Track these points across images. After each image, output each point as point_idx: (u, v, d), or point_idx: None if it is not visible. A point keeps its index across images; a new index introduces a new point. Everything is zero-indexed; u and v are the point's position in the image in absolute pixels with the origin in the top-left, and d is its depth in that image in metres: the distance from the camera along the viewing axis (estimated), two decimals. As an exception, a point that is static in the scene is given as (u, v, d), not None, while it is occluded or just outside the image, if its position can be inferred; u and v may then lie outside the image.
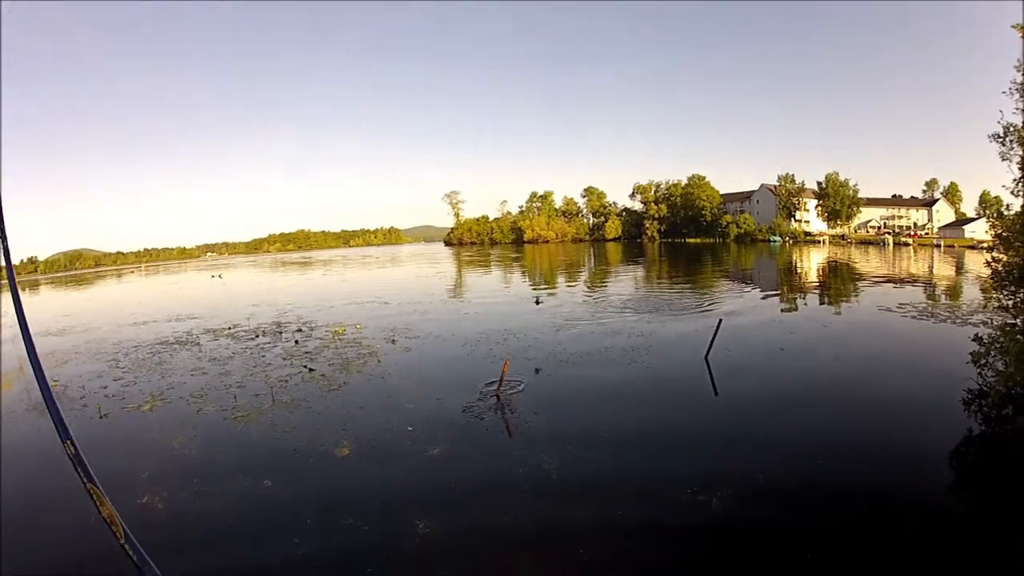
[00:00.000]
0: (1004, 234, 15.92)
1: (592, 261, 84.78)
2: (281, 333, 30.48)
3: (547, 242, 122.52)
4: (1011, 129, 15.65)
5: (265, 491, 12.69)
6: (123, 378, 22.33)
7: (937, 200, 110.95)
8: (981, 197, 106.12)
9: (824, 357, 21.51)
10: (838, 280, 48.22)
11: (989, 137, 15.64)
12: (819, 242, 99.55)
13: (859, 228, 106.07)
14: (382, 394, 19.01)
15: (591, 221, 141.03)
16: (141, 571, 2.52)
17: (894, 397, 16.70)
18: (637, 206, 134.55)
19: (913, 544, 9.68)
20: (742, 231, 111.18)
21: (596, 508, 11.65)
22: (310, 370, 22.09)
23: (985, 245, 37.48)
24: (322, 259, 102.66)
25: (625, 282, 52.79)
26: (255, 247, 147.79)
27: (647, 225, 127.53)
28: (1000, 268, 15.91)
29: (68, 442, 2.97)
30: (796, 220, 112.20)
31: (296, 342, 27.81)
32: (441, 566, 10.13)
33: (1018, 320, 15.66)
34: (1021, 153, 15.52)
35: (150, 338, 30.99)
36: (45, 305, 61.01)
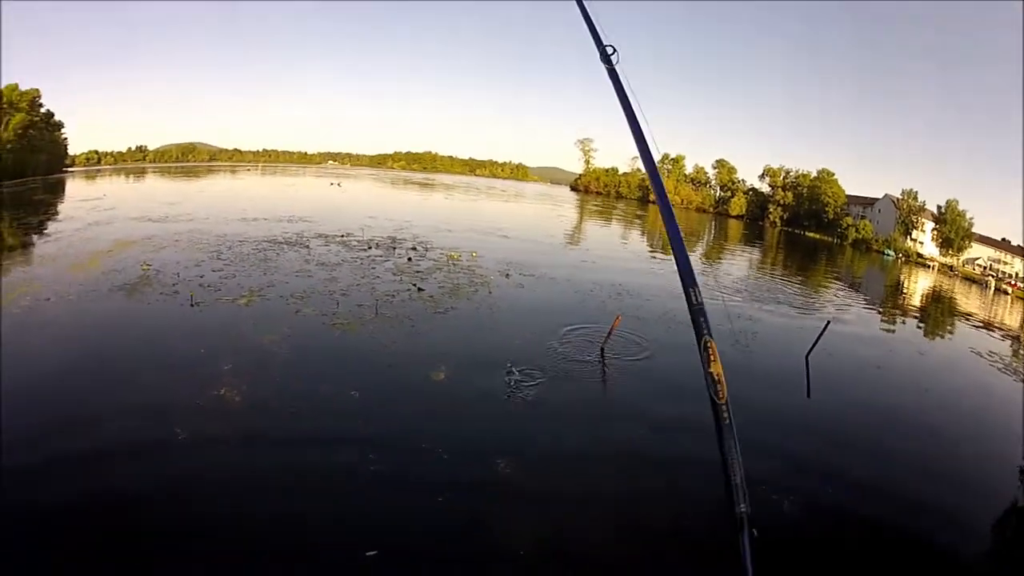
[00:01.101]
0: None
1: (712, 235, 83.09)
2: (395, 249, 30.62)
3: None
4: None
5: (350, 402, 12.73)
6: (223, 270, 22.74)
7: None
8: None
9: (914, 386, 20.55)
10: (938, 311, 46.24)
11: None
12: (929, 267, 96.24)
13: (965, 263, 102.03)
14: (488, 326, 18.93)
15: (717, 194, 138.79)
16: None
17: (971, 441, 15.90)
18: (764, 188, 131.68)
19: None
20: (860, 237, 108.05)
21: (676, 489, 11.36)
22: (419, 289, 22.15)
23: None
24: (445, 183, 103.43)
25: (740, 264, 51.38)
26: (379, 161, 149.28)
27: (771, 209, 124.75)
28: None
29: (693, 290, 4.22)
30: (912, 239, 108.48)
31: (409, 259, 27.98)
32: (509, 488, 10.25)
33: None
34: None
35: (257, 235, 31.55)
36: (148, 191, 63.28)
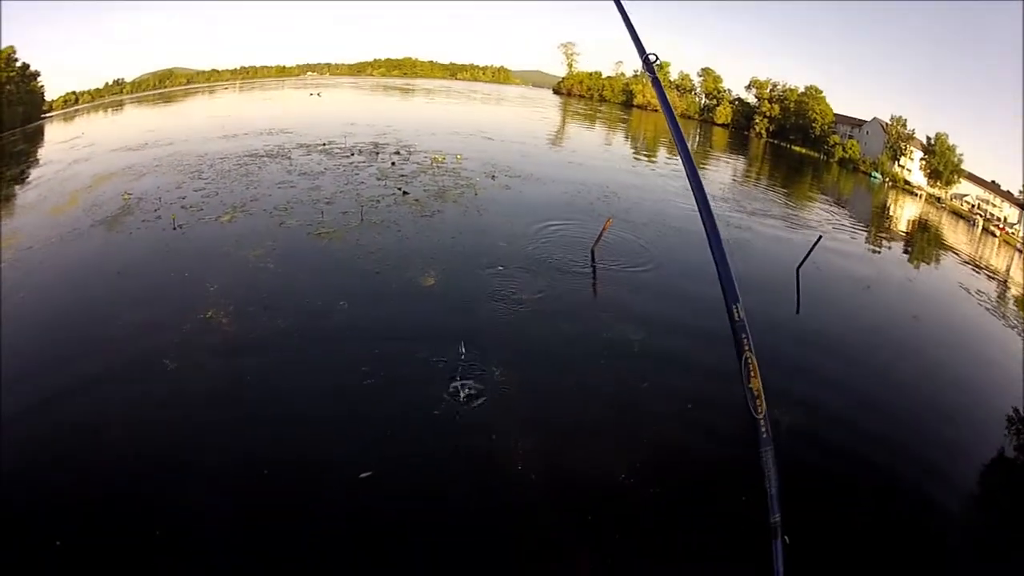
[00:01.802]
0: None
1: (696, 141, 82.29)
2: (378, 154, 29.82)
3: (655, 111, 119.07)
4: None
5: (339, 313, 12.52)
6: (204, 189, 22.11)
7: None
8: None
9: (904, 310, 20.34)
10: (924, 241, 45.82)
11: None
12: (916, 195, 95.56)
13: (953, 198, 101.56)
14: (476, 229, 18.54)
15: (702, 102, 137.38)
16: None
17: (961, 376, 15.67)
18: (751, 99, 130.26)
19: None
20: (847, 156, 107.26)
21: (672, 389, 11.32)
22: (404, 193, 21.69)
23: None
24: (426, 87, 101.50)
25: (726, 171, 50.66)
26: (358, 70, 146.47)
27: (757, 120, 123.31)
28: None
29: (736, 307, 3.63)
30: (900, 165, 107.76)
31: (393, 164, 27.32)
32: (510, 403, 10.04)
33: None
34: None
35: (238, 150, 30.48)
36: (127, 122, 60.42)
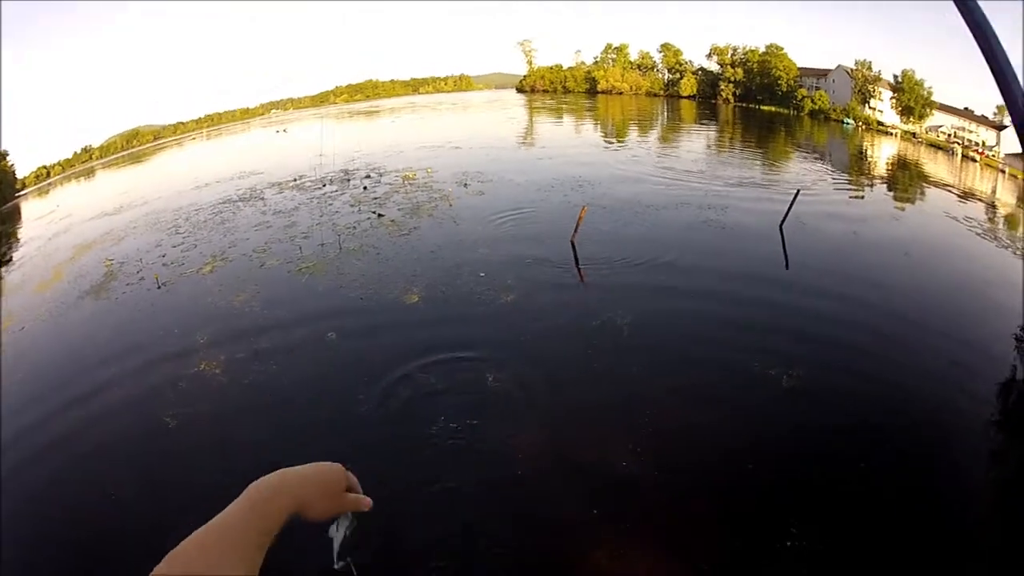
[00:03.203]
0: None
1: (665, 116, 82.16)
2: (349, 180, 29.86)
3: (620, 94, 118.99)
4: None
5: (328, 345, 12.41)
6: (182, 243, 21.98)
7: (1007, 127, 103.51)
8: None
9: (895, 249, 20.14)
10: (906, 177, 45.57)
11: None
12: (891, 134, 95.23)
13: (929, 130, 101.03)
14: (453, 239, 18.41)
15: (666, 77, 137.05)
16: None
17: (958, 308, 15.55)
18: (713, 67, 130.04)
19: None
20: (816, 107, 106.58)
21: (664, 365, 11.32)
22: (379, 215, 21.56)
23: None
24: (390, 107, 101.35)
25: (698, 141, 50.45)
26: (321, 100, 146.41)
27: (722, 87, 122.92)
28: None
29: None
30: (870, 107, 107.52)
31: (364, 188, 27.25)
32: (506, 407, 10.01)
33: None
34: None
35: (212, 199, 30.35)
36: (100, 188, 59.65)
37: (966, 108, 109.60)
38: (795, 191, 20.56)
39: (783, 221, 19.13)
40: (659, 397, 10.32)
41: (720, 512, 7.98)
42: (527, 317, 13.02)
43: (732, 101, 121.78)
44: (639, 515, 7.85)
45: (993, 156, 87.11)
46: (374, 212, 22.20)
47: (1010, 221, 34.61)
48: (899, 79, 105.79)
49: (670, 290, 14.60)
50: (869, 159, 54.70)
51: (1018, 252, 23.47)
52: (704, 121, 73.07)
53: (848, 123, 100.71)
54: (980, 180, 56.68)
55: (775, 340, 12.25)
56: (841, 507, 8.00)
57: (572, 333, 12.47)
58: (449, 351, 11.57)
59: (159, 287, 17.55)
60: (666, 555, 7.33)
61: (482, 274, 15.22)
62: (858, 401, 10.43)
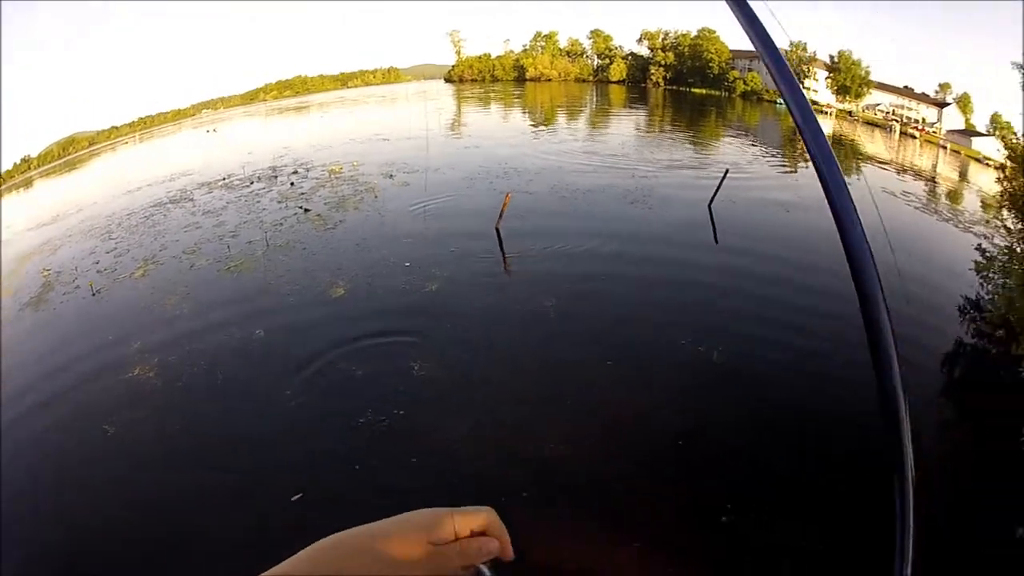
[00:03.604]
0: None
1: (594, 101, 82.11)
2: (276, 177, 29.40)
3: (549, 81, 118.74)
4: None
5: (257, 342, 12.36)
6: (115, 249, 21.43)
7: (949, 104, 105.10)
8: (992, 118, 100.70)
9: (828, 226, 20.35)
10: (842, 154, 45.91)
11: (1012, 64, 15.10)
12: (826, 113, 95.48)
13: (866, 108, 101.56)
14: (379, 231, 18.40)
15: (595, 63, 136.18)
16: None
17: (892, 281, 15.88)
18: (644, 52, 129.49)
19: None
20: (749, 88, 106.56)
21: (591, 348, 11.43)
22: (305, 211, 21.42)
23: (993, 164, 36.32)
24: (319, 102, 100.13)
25: (627, 124, 50.56)
26: (251, 98, 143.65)
27: (652, 71, 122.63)
28: (1013, 189, 15.23)
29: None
30: (805, 87, 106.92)
31: (292, 184, 26.95)
32: (435, 394, 10.11)
33: (1020, 247, 14.81)
34: None
35: (143, 203, 29.50)
36: (37, 198, 58.20)
37: (906, 87, 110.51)
38: (724, 171, 20.79)
39: (712, 200, 19.38)
40: (587, 379, 10.48)
41: (653, 491, 8.12)
42: (453, 305, 13.11)
43: (662, 85, 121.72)
44: (570, 497, 7.96)
45: (934, 133, 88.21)
46: (301, 207, 22.03)
47: (952, 196, 35.23)
48: (835, 59, 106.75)
49: (596, 273, 14.76)
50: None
51: (960, 226, 23.97)
52: (633, 105, 72.99)
53: (781, 104, 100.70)
54: (920, 156, 57.54)
55: (704, 318, 12.49)
56: (774, 481, 8.19)
57: (498, 319, 12.61)
58: (374, 342, 11.64)
59: (93, 294, 17.13)
60: (598, 536, 7.46)
61: (407, 264, 15.23)
62: (790, 376, 10.70)
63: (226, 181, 30.53)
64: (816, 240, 17.81)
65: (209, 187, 29.70)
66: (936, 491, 8.22)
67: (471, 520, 1.03)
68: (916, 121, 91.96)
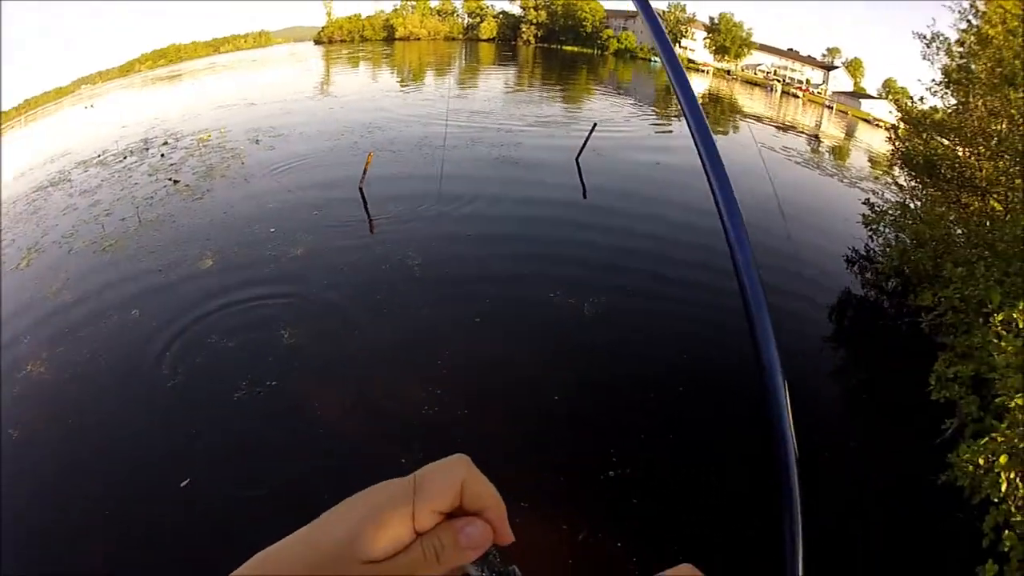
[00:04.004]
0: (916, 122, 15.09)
1: (463, 59, 79.76)
2: (148, 150, 27.20)
3: (419, 40, 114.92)
4: (940, 38, 15.30)
5: (132, 323, 11.43)
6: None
7: (837, 68, 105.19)
8: (886, 83, 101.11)
9: (700, 179, 20.10)
10: (718, 110, 45.63)
11: (914, 34, 15.18)
12: (703, 71, 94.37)
13: (745, 68, 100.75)
14: (245, 197, 17.33)
15: (466, 21, 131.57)
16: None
17: (777, 233, 15.73)
18: (516, 10, 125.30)
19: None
20: (623, 47, 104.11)
21: (461, 300, 11.25)
22: (175, 182, 19.88)
23: (884, 125, 36.20)
24: (191, 70, 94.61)
25: (495, 81, 49.18)
26: (127, 70, 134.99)
27: (523, 29, 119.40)
28: (905, 148, 15.24)
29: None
30: (681, 47, 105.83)
31: (162, 156, 24.97)
32: (306, 362, 9.65)
33: (913, 203, 14.61)
34: (945, 61, 15.07)
35: (23, 189, 26.52)
36: None
37: (790, 49, 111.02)
38: (592, 125, 20.33)
39: (579, 154, 18.97)
40: (457, 336, 10.14)
41: (534, 448, 7.80)
42: (318, 268, 12.49)
43: (533, 42, 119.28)
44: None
45: (819, 93, 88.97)
46: (170, 179, 20.42)
47: (838, 153, 35.59)
48: (715, 21, 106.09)
49: (462, 229, 14.34)
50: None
51: (846, 181, 24.13)
52: (503, 63, 71.22)
53: (656, 61, 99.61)
54: (803, 115, 58.03)
55: (575, 270, 12.19)
56: (664, 431, 7.98)
57: (364, 282, 12.06)
58: (243, 314, 10.96)
59: (-18, 291, 15.71)
60: None
61: (272, 230, 14.35)
62: (663, 326, 10.47)
63: (101, 158, 28.03)
64: (688, 195, 17.65)
65: (85, 165, 27.24)
66: (828, 443, 8.25)
67: (437, 496, 0.57)
68: (800, 82, 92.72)
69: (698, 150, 1.06)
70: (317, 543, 0.55)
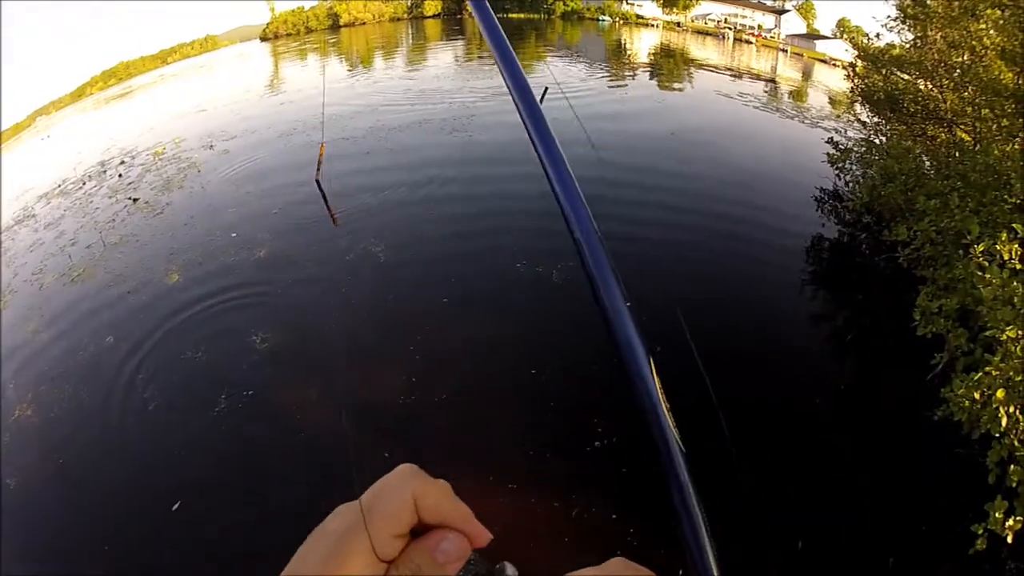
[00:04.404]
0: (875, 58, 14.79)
1: (410, 39, 78.29)
2: (105, 172, 26.70)
3: (364, 24, 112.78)
4: None
5: (108, 351, 11.34)
6: (-39, 282, 19.42)
7: (788, 11, 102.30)
8: (840, 22, 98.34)
9: (660, 132, 19.77)
10: (672, 63, 44.63)
11: None
12: (653, 26, 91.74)
13: (695, 19, 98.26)
14: (204, 206, 17.15)
15: (410, 1, 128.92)
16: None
17: (741, 178, 15.47)
18: None
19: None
20: (569, 9, 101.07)
21: (428, 283, 11.23)
22: (134, 201, 19.60)
23: (841, 64, 35.72)
24: (141, 85, 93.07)
25: (444, 57, 48.09)
26: (79, 94, 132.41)
27: (468, 3, 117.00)
28: (864, 86, 15.09)
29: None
30: (628, 3, 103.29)
31: (120, 175, 24.60)
32: (280, 366, 9.66)
33: (878, 139, 14.34)
34: None
35: (-10, 232, 26.98)
36: None
37: None
38: (543, 88, 20.04)
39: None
40: (428, 321, 10.08)
41: (516, 428, 7.74)
42: (282, 267, 12.40)
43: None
44: (436, 446, 7.55)
45: (772, 38, 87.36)
46: (129, 198, 20.12)
47: (796, 95, 35.12)
48: None
49: (421, 214, 14.19)
50: (629, 50, 53.52)
51: (808, 122, 23.81)
52: (451, 38, 69.81)
53: (604, 19, 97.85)
54: (757, 60, 57.13)
55: (539, 240, 12.03)
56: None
57: (329, 275, 11.98)
58: (212, 322, 10.94)
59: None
60: (471, 480, 6.95)
61: (234, 235, 14.21)
62: (643, 284, 10.36)
63: (61, 188, 27.53)
64: (649, 145, 17.46)
65: (47, 198, 26.76)
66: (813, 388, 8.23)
67: (391, 520, 0.54)
68: (752, 28, 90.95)
69: (506, 83, 1.02)
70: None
